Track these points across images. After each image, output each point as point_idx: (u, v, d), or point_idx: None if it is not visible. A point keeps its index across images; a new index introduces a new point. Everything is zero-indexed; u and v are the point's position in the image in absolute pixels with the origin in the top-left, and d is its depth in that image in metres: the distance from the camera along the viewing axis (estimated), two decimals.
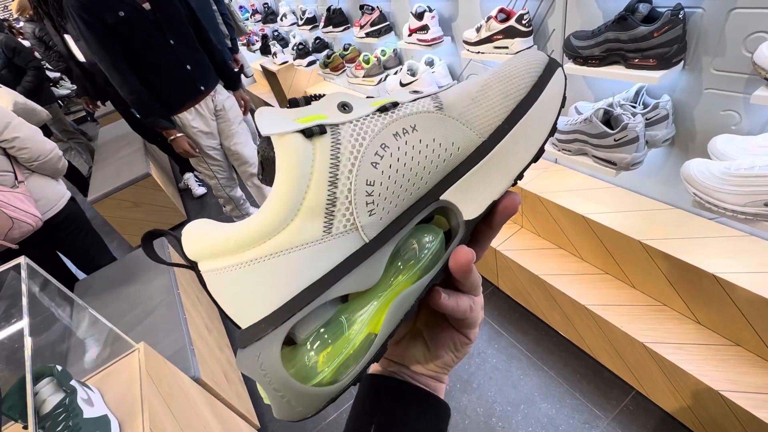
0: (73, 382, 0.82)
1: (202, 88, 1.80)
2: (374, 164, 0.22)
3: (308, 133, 0.21)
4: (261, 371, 0.20)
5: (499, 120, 0.24)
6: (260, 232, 0.21)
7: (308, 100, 0.24)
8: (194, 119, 1.84)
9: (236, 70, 2.00)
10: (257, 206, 2.37)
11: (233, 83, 2.01)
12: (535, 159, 0.25)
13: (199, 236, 0.22)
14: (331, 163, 0.21)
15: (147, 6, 1.56)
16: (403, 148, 0.23)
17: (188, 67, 1.72)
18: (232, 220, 0.23)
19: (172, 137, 1.76)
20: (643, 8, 0.90)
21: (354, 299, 0.24)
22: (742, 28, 0.81)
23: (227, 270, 0.21)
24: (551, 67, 0.25)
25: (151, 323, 1.38)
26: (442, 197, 0.24)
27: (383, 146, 0.22)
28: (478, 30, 1.34)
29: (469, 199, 0.24)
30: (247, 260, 0.21)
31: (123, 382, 0.92)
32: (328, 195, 0.21)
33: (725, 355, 1.00)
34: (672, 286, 1.07)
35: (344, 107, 0.23)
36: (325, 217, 0.21)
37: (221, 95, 1.93)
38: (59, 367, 0.83)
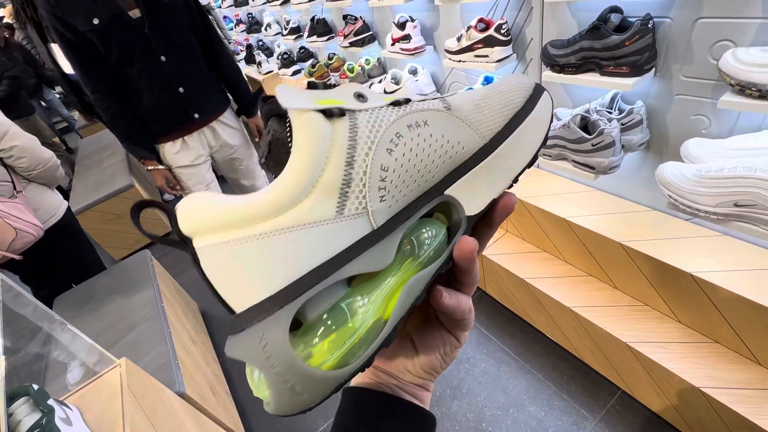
0: (50, 402, 0.80)
1: (196, 116, 1.46)
2: (389, 150, 0.23)
3: (328, 113, 0.22)
4: (264, 353, 0.19)
5: (499, 126, 0.27)
6: (271, 206, 0.20)
7: (326, 85, 0.25)
8: (178, 152, 1.48)
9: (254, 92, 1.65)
10: None
11: (247, 109, 1.62)
12: (530, 164, 0.28)
13: (199, 209, 0.21)
14: (349, 144, 0.22)
15: (136, 13, 1.26)
16: (416, 139, 0.24)
17: (181, 89, 1.40)
18: None
19: (149, 168, 1.47)
20: (615, 18, 0.93)
21: (363, 283, 0.23)
22: (707, 37, 0.84)
23: (228, 245, 0.20)
24: (538, 90, 0.28)
25: (134, 338, 1.34)
26: (446, 192, 0.25)
27: (398, 135, 0.23)
28: (458, 39, 1.37)
29: (471, 196, 0.26)
30: (253, 234, 0.20)
31: (103, 399, 0.89)
32: (344, 175, 0.21)
33: (705, 352, 1.02)
34: (652, 286, 1.10)
35: (360, 97, 0.24)
36: (339, 197, 0.21)
37: (226, 127, 1.57)
38: (35, 386, 0.80)
